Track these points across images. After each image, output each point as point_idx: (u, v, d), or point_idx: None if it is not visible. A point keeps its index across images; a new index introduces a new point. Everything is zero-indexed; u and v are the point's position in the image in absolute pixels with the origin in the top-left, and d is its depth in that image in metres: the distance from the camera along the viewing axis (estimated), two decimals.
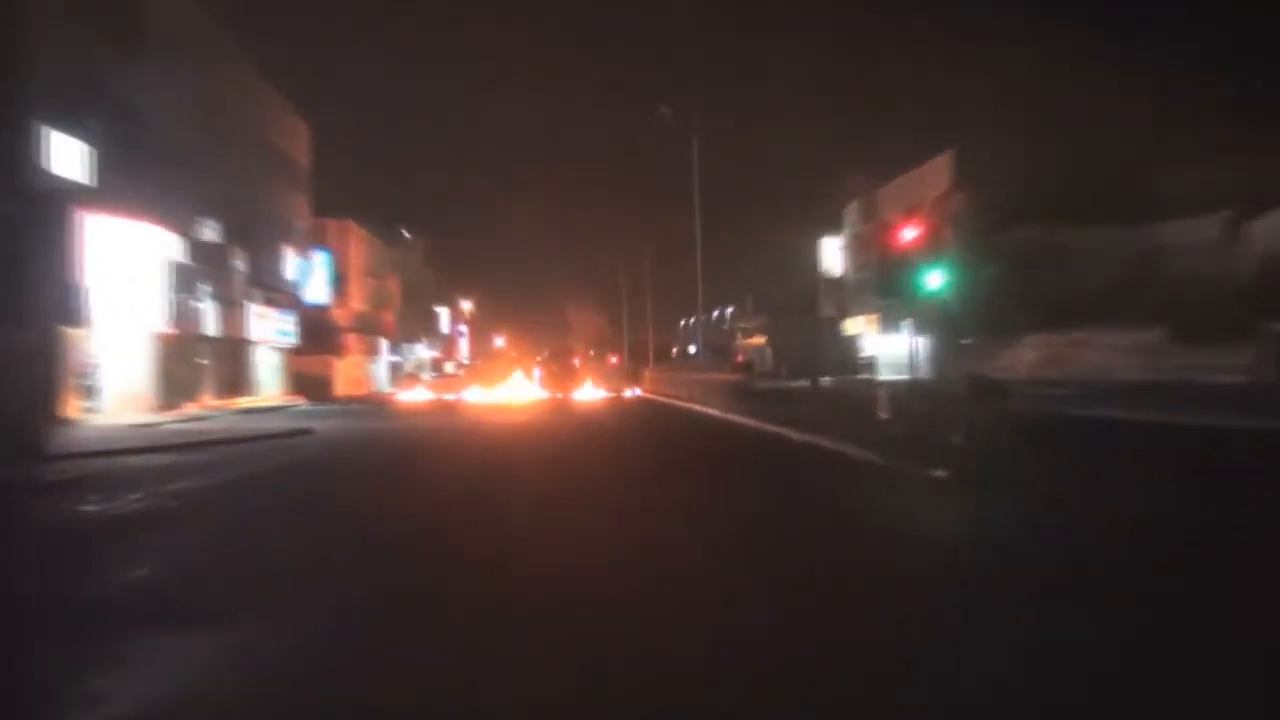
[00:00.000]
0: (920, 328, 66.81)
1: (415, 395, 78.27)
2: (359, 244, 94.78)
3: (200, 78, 55.01)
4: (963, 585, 10.70)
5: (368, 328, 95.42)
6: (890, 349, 79.66)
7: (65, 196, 37.83)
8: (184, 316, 51.00)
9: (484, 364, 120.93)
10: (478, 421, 44.68)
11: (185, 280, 51.29)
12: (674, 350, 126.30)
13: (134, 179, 45.48)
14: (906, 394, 25.81)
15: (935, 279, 24.28)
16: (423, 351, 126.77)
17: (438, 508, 17.32)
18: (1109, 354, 51.37)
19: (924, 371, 51.47)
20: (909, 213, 27.14)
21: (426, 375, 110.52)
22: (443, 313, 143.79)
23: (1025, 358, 57.62)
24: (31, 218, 35.32)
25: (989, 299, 53.06)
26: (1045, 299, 55.56)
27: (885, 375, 56.03)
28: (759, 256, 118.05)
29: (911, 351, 28.29)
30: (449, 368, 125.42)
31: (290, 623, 9.84)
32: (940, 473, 19.12)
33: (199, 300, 53.61)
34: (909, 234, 23.95)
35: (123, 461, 27.02)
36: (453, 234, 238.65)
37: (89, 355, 44.43)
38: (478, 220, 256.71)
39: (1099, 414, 30.09)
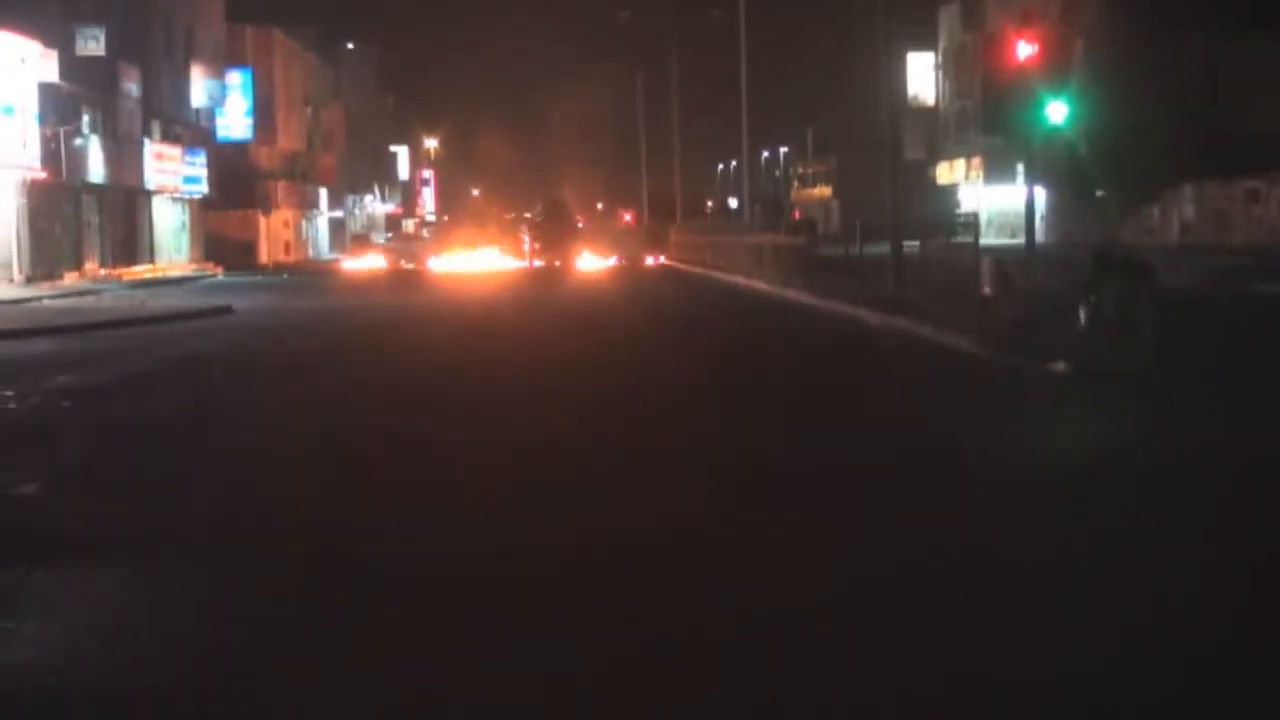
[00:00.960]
0: (1039, 176, 66.59)
1: (365, 263, 78.60)
2: (289, 60, 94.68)
3: None
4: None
5: (302, 173, 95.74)
6: (998, 203, 79.78)
7: None
8: (60, 157, 51.19)
9: (455, 222, 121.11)
10: (443, 301, 44.94)
11: (61, 109, 51.46)
12: (708, 205, 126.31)
13: None
14: (1019, 265, 25.99)
15: (1059, 110, 24.30)
16: (375, 205, 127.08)
17: (373, 423, 17.45)
18: None
19: (1043, 234, 51.50)
20: (1026, 18, 27.00)
21: (380, 237, 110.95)
22: (401, 153, 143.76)
23: (1180, 216, 57.79)
24: None
25: (1133, 137, 52.88)
26: (1210, 138, 55.25)
27: (992, 239, 55.92)
28: (821, 81, 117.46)
29: (1029, 207, 28.34)
30: (408, 226, 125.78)
31: (195, 553, 10.19)
32: (1059, 365, 19.33)
33: (80, 135, 53.79)
34: (1025, 49, 23.95)
35: None
36: (412, 47, 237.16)
37: None
38: (445, 28, 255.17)
39: (1277, 291, 30.20)
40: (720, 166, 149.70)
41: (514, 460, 13.81)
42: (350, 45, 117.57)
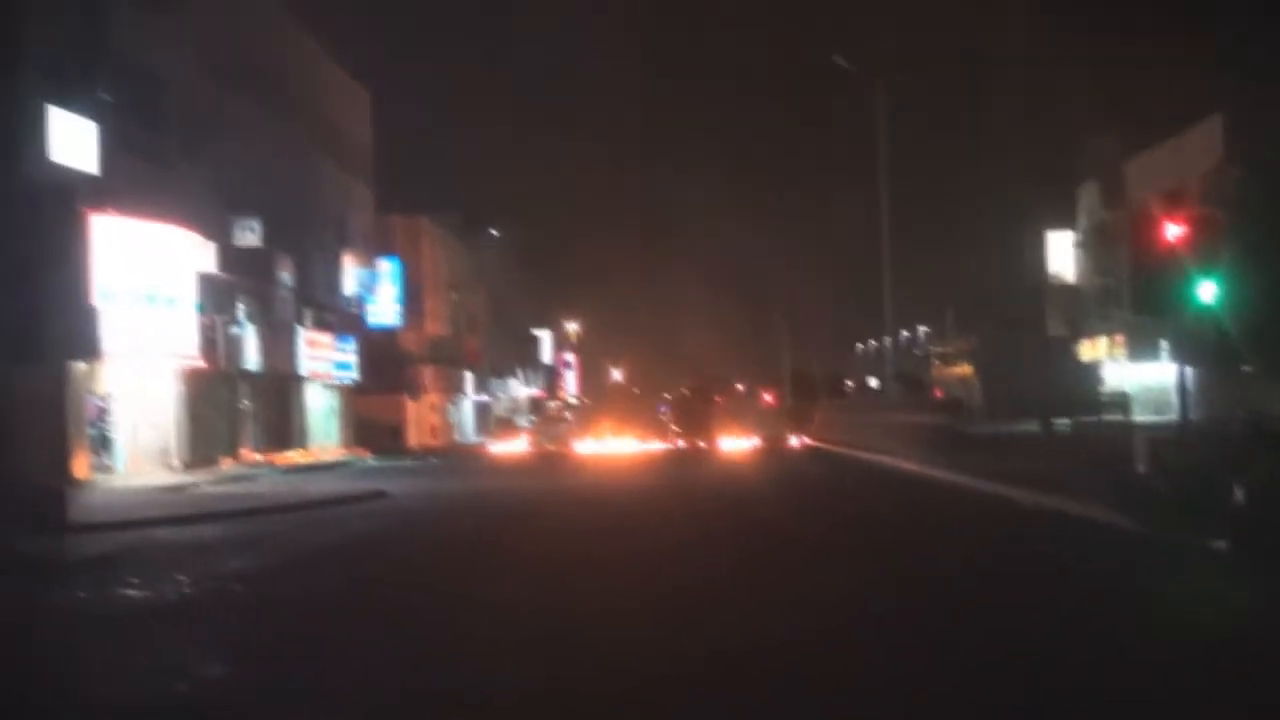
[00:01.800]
0: (1184, 353, 66.09)
1: (510, 446, 79.31)
2: (435, 247, 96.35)
3: (230, 32, 56.66)
4: None
5: (447, 357, 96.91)
6: (1141, 380, 79.28)
7: (71, 192, 39.28)
8: (217, 345, 52.44)
9: (597, 405, 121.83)
10: (591, 484, 45.20)
11: (218, 298, 52.83)
12: (847, 384, 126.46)
13: (153, 167, 47.07)
14: (1173, 441, 26.08)
15: (1209, 289, 24.49)
16: (518, 388, 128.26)
17: (540, 600, 17.96)
18: None
19: (1193, 410, 51.10)
20: (1170, 197, 27.23)
21: (524, 420, 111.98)
22: (544, 336, 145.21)
23: None
24: (33, 221, 36.89)
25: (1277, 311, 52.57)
26: None
27: (1138, 415, 55.78)
28: (961, 261, 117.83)
29: (1181, 384, 28.46)
30: (552, 408, 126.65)
31: None
32: (1219, 543, 19.44)
33: (236, 324, 55.11)
34: (1174, 230, 24.22)
35: (155, 534, 28.10)
36: (550, 235, 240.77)
37: (99, 397, 45.99)
38: (582, 217, 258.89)
39: None
40: (860, 346, 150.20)
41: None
42: (494, 231, 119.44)
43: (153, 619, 17.13)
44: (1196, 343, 29.42)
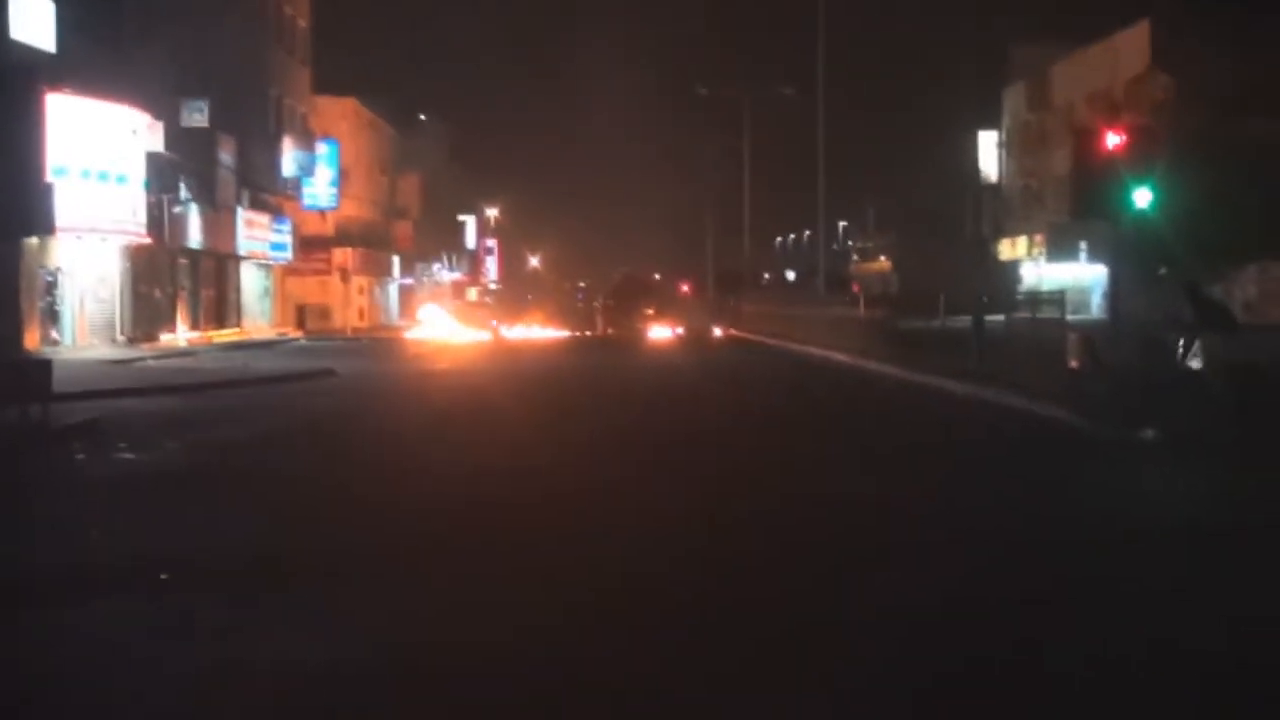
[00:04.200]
0: (1100, 254, 67.55)
1: (435, 331, 79.09)
2: (368, 130, 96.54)
3: None
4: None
5: (376, 240, 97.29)
6: (1059, 279, 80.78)
7: (31, 70, 39.78)
8: (163, 223, 53.11)
9: (513, 291, 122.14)
10: (529, 369, 46.07)
11: (164, 177, 53.44)
12: (765, 277, 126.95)
13: (106, 48, 47.54)
14: (1104, 337, 27.37)
15: (1144, 196, 25.80)
16: (443, 273, 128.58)
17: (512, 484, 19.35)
18: None
19: (1103, 311, 52.43)
20: (1093, 99, 28.46)
21: (444, 304, 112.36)
22: (469, 223, 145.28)
23: (1243, 295, 58.72)
24: None
25: (1196, 216, 54.15)
26: (1272, 217, 56.21)
27: (1058, 313, 56.98)
28: (883, 156, 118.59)
29: (1111, 283, 29.90)
30: (472, 294, 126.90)
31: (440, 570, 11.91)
32: (1149, 433, 20.81)
33: (180, 203, 55.76)
34: (1114, 139, 25.49)
35: (127, 404, 29.10)
36: (480, 119, 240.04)
37: (49, 272, 46.68)
38: (512, 101, 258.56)
39: None
40: (779, 240, 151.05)
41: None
42: (423, 117, 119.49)
43: (166, 481, 18.29)
44: (1128, 245, 30.81)
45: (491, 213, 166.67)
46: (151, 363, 44.14)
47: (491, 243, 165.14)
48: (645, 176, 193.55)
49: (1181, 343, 22.79)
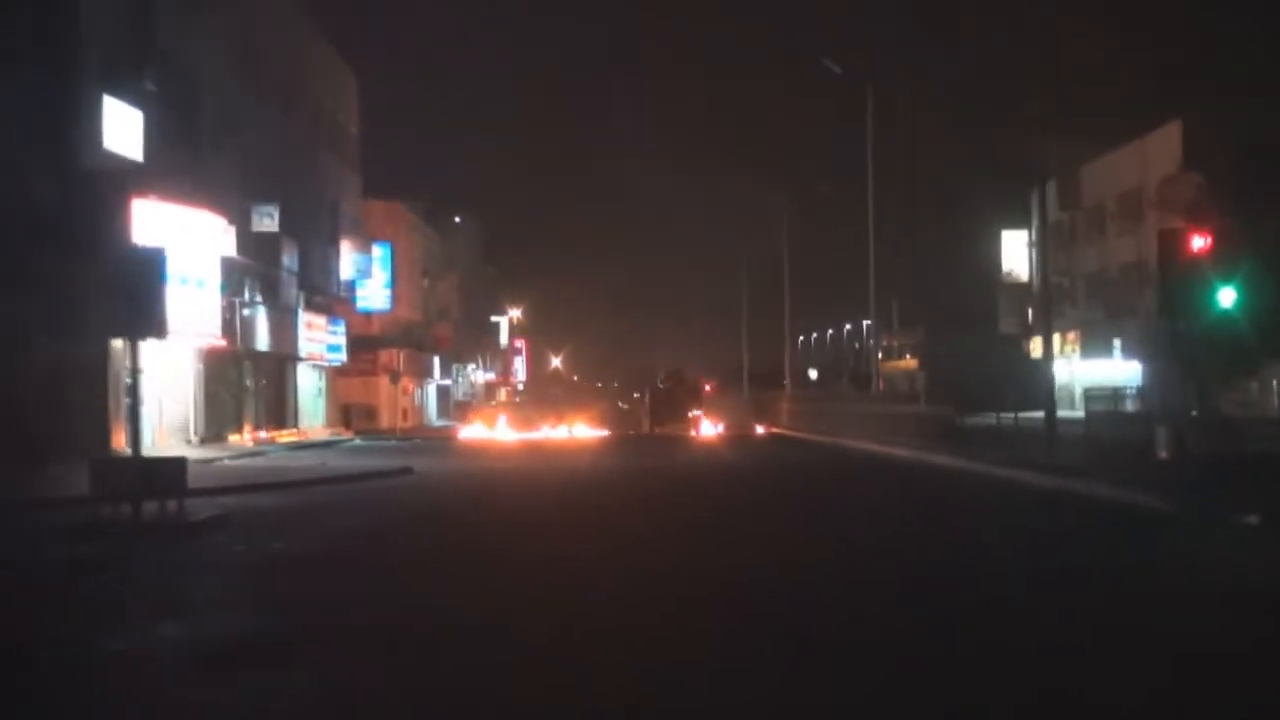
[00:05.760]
0: (1134, 351, 68.07)
1: (481, 431, 78.57)
2: (410, 233, 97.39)
3: (242, 18, 58.24)
4: None
5: (417, 342, 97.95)
6: (1093, 376, 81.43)
7: (123, 177, 41.02)
8: (235, 326, 53.92)
9: (536, 393, 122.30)
10: (588, 466, 46.58)
11: (234, 280, 54.36)
12: (812, 374, 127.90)
13: (185, 155, 48.65)
14: (1192, 429, 28.17)
15: (1229, 295, 26.62)
16: (476, 374, 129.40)
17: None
18: None
19: (1155, 404, 53.06)
20: (1197, 213, 29.39)
21: (479, 403, 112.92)
22: (502, 323, 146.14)
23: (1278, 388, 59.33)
24: (88, 205, 38.62)
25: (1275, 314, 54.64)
26: None
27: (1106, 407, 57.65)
28: (910, 257, 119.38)
29: (1200, 380, 30.72)
30: (501, 395, 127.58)
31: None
32: (1252, 518, 21.65)
33: (250, 306, 56.67)
34: (1199, 241, 26.33)
35: (231, 501, 29.92)
36: (509, 225, 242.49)
37: (128, 373, 47.54)
38: (541, 202, 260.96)
39: None
40: (801, 339, 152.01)
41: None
42: (458, 219, 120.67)
43: (311, 565, 19.40)
44: (1152, 341, 31.67)
45: (513, 313, 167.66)
46: (229, 462, 45.02)
47: (520, 343, 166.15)
48: (671, 276, 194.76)
49: None
